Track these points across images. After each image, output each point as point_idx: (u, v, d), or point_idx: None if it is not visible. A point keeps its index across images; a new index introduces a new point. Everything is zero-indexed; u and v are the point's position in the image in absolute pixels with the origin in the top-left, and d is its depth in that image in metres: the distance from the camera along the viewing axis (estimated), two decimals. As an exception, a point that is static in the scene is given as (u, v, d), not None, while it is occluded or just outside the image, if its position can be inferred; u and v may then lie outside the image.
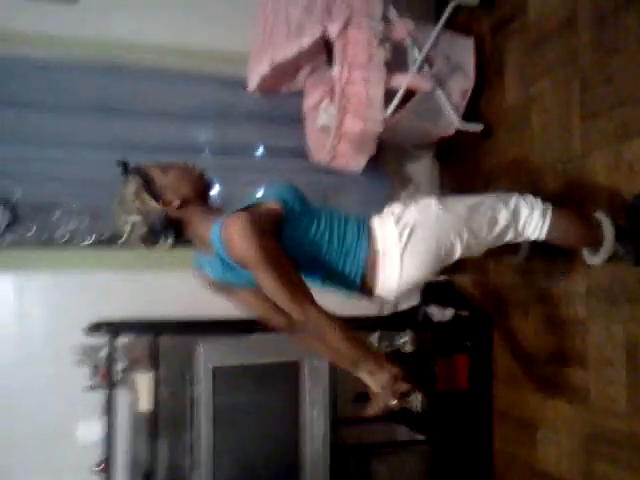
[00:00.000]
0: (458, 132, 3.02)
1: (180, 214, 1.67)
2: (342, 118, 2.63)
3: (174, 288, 2.64)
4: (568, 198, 2.44)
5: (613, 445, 2.20)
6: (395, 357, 2.80)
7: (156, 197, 1.64)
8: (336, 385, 2.55)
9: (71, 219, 3.02)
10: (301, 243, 1.70)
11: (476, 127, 3.00)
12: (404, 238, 1.77)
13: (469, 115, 3.01)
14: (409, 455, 2.74)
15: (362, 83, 2.59)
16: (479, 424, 2.76)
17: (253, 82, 2.85)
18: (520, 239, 1.95)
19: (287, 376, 2.47)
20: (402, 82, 2.71)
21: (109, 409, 2.45)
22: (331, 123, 2.69)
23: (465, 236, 1.82)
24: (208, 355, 2.40)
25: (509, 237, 1.91)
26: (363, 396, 2.73)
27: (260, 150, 3.12)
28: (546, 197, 2.52)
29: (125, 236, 1.67)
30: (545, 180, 2.60)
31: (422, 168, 3.43)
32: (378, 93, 2.61)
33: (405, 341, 2.79)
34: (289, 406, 2.52)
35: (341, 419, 2.62)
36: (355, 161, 2.83)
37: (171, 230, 1.69)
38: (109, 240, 3.12)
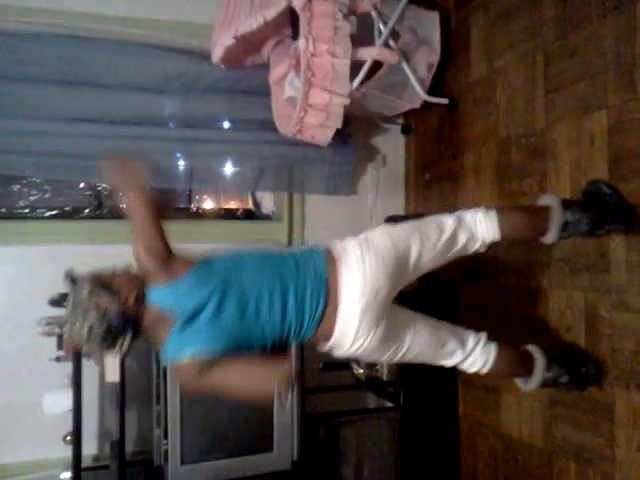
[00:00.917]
0: (425, 105, 3.04)
1: (136, 311, 1.69)
2: (308, 91, 2.61)
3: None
4: (532, 172, 2.50)
5: (572, 408, 2.29)
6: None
7: (112, 295, 1.66)
8: (304, 355, 2.57)
9: (33, 191, 2.96)
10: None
11: (442, 100, 3.03)
12: (362, 244, 1.85)
13: (435, 89, 3.03)
14: (377, 422, 2.80)
15: (328, 56, 2.57)
16: (445, 391, 2.83)
17: (217, 54, 2.80)
18: (478, 243, 2.00)
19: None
20: (368, 55, 2.70)
21: (76, 380, 2.43)
22: (297, 96, 2.67)
23: (417, 240, 1.90)
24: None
25: (463, 240, 1.97)
26: (331, 365, 2.80)
27: (226, 123, 3.08)
28: (511, 170, 2.60)
29: (84, 339, 1.65)
30: (510, 153, 2.64)
31: (389, 141, 3.46)
32: (344, 66, 2.60)
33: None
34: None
35: (309, 388, 2.66)
36: (322, 134, 2.82)
37: (130, 327, 1.69)
38: (73, 212, 3.08)
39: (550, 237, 2.04)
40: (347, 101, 2.66)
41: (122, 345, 1.69)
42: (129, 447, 2.68)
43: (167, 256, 1.69)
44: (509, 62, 2.67)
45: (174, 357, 1.70)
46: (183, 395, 2.38)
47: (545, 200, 2.10)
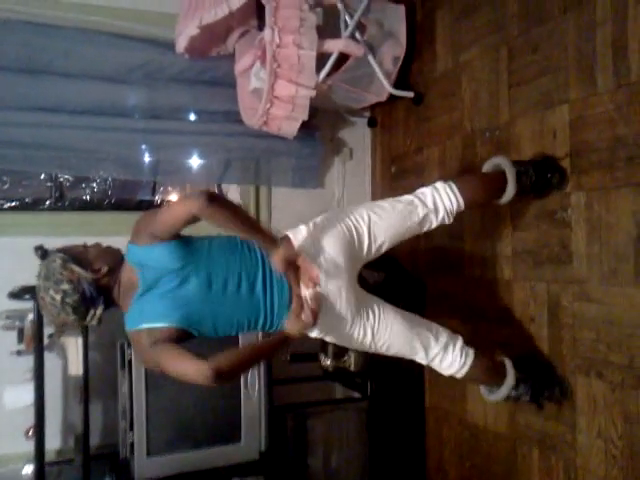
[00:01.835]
0: (391, 99, 3.06)
1: (108, 281, 1.74)
2: (273, 82, 2.60)
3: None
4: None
5: (535, 396, 2.34)
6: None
7: (84, 266, 1.70)
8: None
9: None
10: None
11: (408, 94, 3.05)
12: (313, 223, 1.94)
13: (401, 82, 3.05)
14: (345, 412, 2.82)
15: (294, 47, 2.56)
16: (412, 381, 2.86)
17: (181, 43, 2.76)
18: (441, 214, 2.05)
19: (222, 338, 2.46)
20: (334, 47, 2.71)
21: (38, 374, 2.38)
22: (263, 87, 2.66)
23: (370, 210, 1.97)
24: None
25: (421, 213, 2.02)
26: (298, 357, 2.81)
27: (191, 114, 3.04)
28: (475, 163, 2.63)
29: (57, 309, 1.67)
30: (475, 146, 2.68)
31: (356, 133, 3.47)
32: (310, 58, 2.60)
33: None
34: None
35: (277, 379, 2.66)
36: (288, 126, 2.81)
37: (101, 298, 1.72)
38: (33, 204, 3.01)
39: (510, 190, 2.13)
40: (313, 93, 2.66)
41: (94, 315, 1.72)
42: (94, 440, 2.64)
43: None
44: (474, 56, 2.70)
45: (131, 327, 1.73)
46: (149, 386, 2.36)
47: (492, 162, 2.22)
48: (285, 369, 2.79)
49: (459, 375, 2.12)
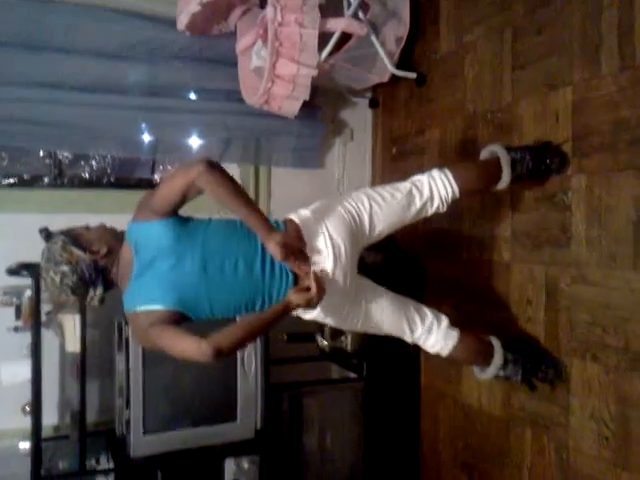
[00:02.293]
0: (393, 79, 3.04)
1: (107, 262, 1.76)
2: (275, 61, 2.58)
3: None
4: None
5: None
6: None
7: (83, 248, 1.72)
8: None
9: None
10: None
11: (410, 75, 3.02)
12: (317, 209, 1.95)
13: (404, 62, 3.03)
14: (341, 392, 2.83)
15: (296, 26, 2.54)
16: (407, 362, 2.87)
17: (183, 21, 2.74)
18: (436, 202, 2.06)
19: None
20: (337, 26, 2.68)
21: (35, 350, 2.40)
22: (264, 66, 2.64)
23: (372, 198, 1.98)
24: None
25: (419, 204, 2.04)
26: (295, 336, 2.82)
27: (192, 92, 3.02)
28: (477, 145, 2.62)
29: (57, 290, 1.71)
30: (477, 128, 2.66)
31: (357, 114, 3.44)
32: (312, 37, 2.57)
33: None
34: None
35: (273, 359, 2.67)
36: (289, 105, 2.79)
37: (100, 279, 1.75)
38: (32, 180, 3.00)
39: (505, 178, 2.15)
40: (315, 72, 2.64)
41: (94, 296, 1.76)
42: (90, 417, 2.65)
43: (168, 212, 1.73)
44: (478, 37, 2.67)
45: (128, 308, 1.75)
46: (146, 364, 2.37)
47: (488, 149, 2.22)
48: (282, 349, 2.80)
49: (443, 353, 2.15)
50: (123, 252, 1.78)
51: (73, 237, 1.74)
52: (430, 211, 2.08)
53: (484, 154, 2.27)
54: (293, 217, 1.92)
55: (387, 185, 2.07)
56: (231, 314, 1.84)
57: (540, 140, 2.28)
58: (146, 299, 1.70)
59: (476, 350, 2.22)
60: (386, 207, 1.99)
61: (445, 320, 2.15)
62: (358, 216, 1.95)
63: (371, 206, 1.97)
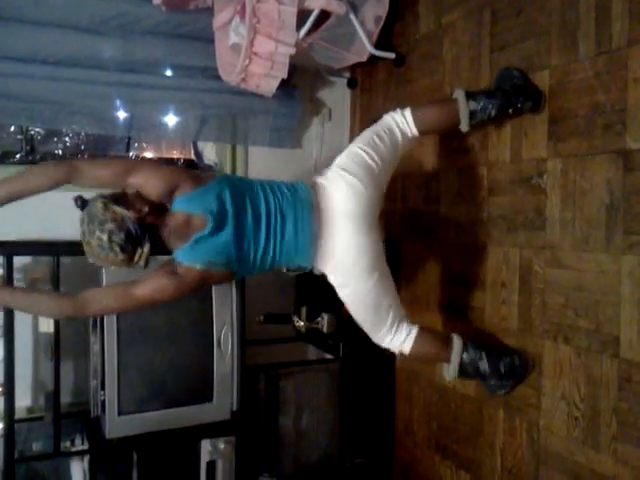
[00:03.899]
0: (372, 59, 3.01)
1: (152, 220, 1.78)
2: (253, 38, 2.54)
3: (75, 210, 2.51)
4: (474, 131, 2.52)
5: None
6: (308, 281, 2.87)
7: (125, 207, 1.72)
8: (244, 307, 2.58)
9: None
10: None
11: (389, 55, 3.01)
12: (338, 169, 2.07)
13: (383, 43, 3.00)
14: (317, 373, 2.84)
15: (274, 3, 2.49)
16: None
17: (159, -6, 2.68)
18: (401, 135, 2.16)
19: (195, 297, 2.45)
20: (315, 4, 2.64)
21: (8, 330, 2.36)
22: (242, 43, 2.60)
23: (361, 144, 2.09)
24: (110, 277, 2.31)
25: (396, 134, 2.15)
26: (271, 317, 2.82)
27: (168, 69, 2.96)
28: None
29: (105, 249, 1.69)
30: (454, 110, 2.65)
31: (336, 94, 3.42)
32: (290, 14, 2.53)
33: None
34: (197, 326, 2.52)
35: (250, 340, 2.67)
36: (266, 84, 2.76)
37: (146, 236, 1.74)
38: (3, 156, 2.93)
39: (463, 127, 2.21)
40: (293, 50, 2.60)
41: (142, 254, 1.74)
42: (65, 398, 2.62)
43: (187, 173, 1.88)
44: (457, 18, 2.66)
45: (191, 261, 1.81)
46: (121, 345, 2.35)
47: (455, 94, 2.25)
48: (258, 330, 2.80)
49: (405, 349, 2.19)
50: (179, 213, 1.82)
51: (112, 198, 1.73)
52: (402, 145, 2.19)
53: (454, 97, 2.27)
54: (318, 181, 2.06)
55: (372, 134, 2.13)
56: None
57: (515, 83, 2.25)
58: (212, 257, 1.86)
59: (437, 342, 2.24)
60: (385, 152, 2.11)
61: (406, 319, 2.19)
62: (375, 151, 2.08)
63: (376, 157, 2.07)
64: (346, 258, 2.01)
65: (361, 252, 2.00)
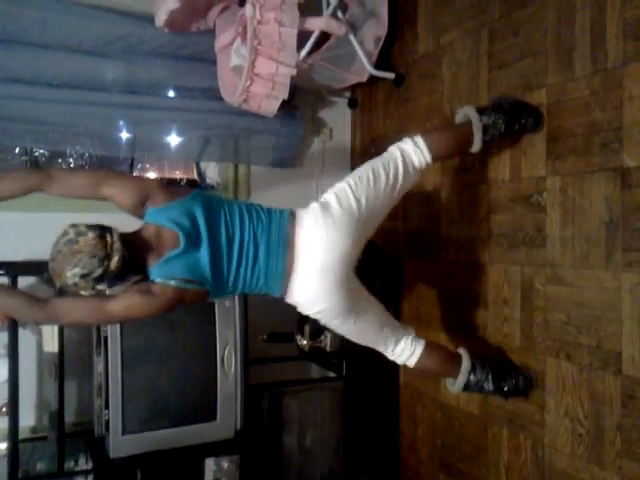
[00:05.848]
0: (372, 79, 3.05)
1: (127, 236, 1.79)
2: (254, 60, 2.58)
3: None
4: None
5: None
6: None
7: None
8: (247, 326, 2.58)
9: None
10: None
11: (388, 75, 3.04)
12: (321, 207, 1.98)
13: (382, 63, 3.04)
14: (320, 392, 2.85)
15: (275, 24, 2.54)
16: (387, 361, 2.88)
17: (161, 17, 2.72)
18: (411, 169, 2.08)
19: (198, 316, 2.47)
20: (315, 25, 2.68)
21: (12, 350, 2.38)
22: (243, 64, 2.63)
23: (353, 183, 2.00)
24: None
25: (399, 170, 2.06)
26: (275, 336, 2.82)
27: (170, 90, 3.00)
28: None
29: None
30: (453, 129, 2.68)
31: (336, 114, 3.46)
32: (291, 35, 2.57)
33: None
34: (201, 345, 2.53)
35: (253, 359, 2.68)
36: (268, 104, 2.79)
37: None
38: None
39: (477, 144, 2.18)
40: (294, 71, 2.64)
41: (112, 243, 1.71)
42: (69, 418, 2.64)
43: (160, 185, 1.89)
44: (455, 38, 2.69)
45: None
46: (125, 364, 2.36)
47: (462, 112, 2.24)
48: (262, 349, 2.81)
49: (410, 363, 2.20)
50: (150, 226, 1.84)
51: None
52: (410, 181, 2.11)
53: (459, 117, 2.27)
54: (298, 213, 1.99)
55: (373, 167, 2.05)
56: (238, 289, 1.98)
57: (515, 99, 2.28)
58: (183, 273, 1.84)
59: (444, 357, 2.26)
60: (383, 191, 2.02)
61: (412, 332, 2.21)
62: (362, 213, 1.98)
63: (370, 197, 2.00)
64: (312, 308, 2.00)
65: (327, 308, 1.98)
